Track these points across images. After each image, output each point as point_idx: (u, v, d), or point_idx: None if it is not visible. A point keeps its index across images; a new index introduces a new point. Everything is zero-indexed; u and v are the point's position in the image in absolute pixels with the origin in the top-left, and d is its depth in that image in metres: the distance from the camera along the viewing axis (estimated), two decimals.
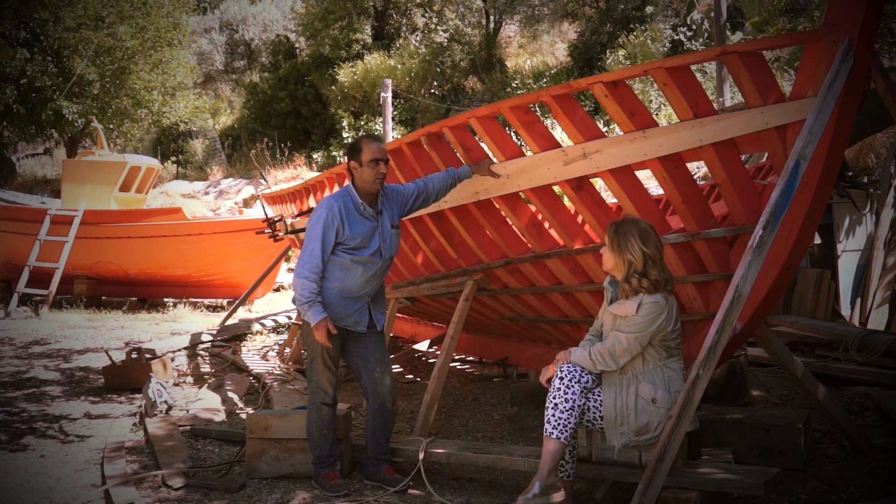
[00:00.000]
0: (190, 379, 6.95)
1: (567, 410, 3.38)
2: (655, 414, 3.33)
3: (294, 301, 4.07)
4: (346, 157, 4.25)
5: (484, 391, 6.15)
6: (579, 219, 5.24)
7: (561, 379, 3.44)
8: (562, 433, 3.36)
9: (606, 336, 3.47)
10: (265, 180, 9.28)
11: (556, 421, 3.37)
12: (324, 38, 22.05)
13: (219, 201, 20.18)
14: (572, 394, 3.40)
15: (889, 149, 8.52)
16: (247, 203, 18.96)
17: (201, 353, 8.19)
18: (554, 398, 3.41)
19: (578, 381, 3.43)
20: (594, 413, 3.48)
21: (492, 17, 22.29)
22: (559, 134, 13.19)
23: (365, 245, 4.10)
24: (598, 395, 3.48)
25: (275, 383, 6.36)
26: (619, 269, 3.46)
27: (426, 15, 22.69)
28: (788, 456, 3.97)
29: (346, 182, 4.28)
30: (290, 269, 15.39)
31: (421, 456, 4.07)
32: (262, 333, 9.19)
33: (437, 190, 4.48)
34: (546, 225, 5.42)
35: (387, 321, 5.83)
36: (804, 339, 6.28)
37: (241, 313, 11.02)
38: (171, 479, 4.25)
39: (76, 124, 18.39)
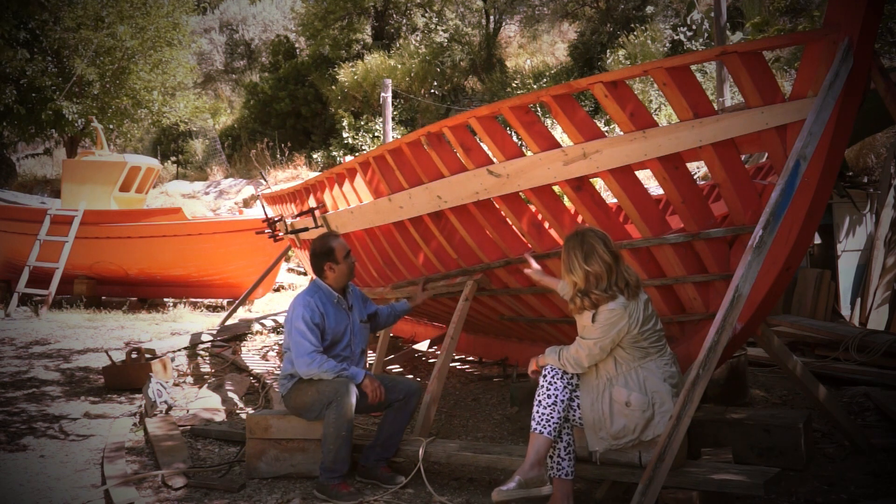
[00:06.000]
0: (190, 379, 6.95)
1: (550, 406, 3.45)
2: (631, 417, 3.36)
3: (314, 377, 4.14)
4: (315, 265, 4.30)
5: (484, 391, 6.15)
6: (579, 219, 5.23)
7: (544, 377, 3.54)
8: (545, 428, 3.42)
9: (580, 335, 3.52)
10: (265, 180, 9.29)
11: (539, 416, 3.45)
12: (324, 38, 22.05)
13: (219, 201, 20.17)
14: (555, 389, 3.48)
15: (889, 149, 8.52)
16: (247, 203, 18.95)
17: (201, 353, 8.19)
18: (538, 395, 3.50)
19: (561, 378, 3.50)
20: (578, 412, 3.53)
21: (492, 17, 22.28)
22: (559, 134, 13.19)
23: (339, 339, 4.26)
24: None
25: (275, 383, 6.35)
26: (569, 288, 3.56)
27: (426, 15, 22.69)
28: (788, 456, 3.96)
29: (311, 281, 4.41)
30: (290, 270, 15.39)
31: (421, 456, 4.07)
32: (262, 333, 9.18)
33: (385, 320, 4.70)
34: (546, 225, 5.41)
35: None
36: (804, 339, 6.28)
37: (241, 313, 11.01)
38: (171, 479, 4.25)
39: (76, 124, 18.39)
